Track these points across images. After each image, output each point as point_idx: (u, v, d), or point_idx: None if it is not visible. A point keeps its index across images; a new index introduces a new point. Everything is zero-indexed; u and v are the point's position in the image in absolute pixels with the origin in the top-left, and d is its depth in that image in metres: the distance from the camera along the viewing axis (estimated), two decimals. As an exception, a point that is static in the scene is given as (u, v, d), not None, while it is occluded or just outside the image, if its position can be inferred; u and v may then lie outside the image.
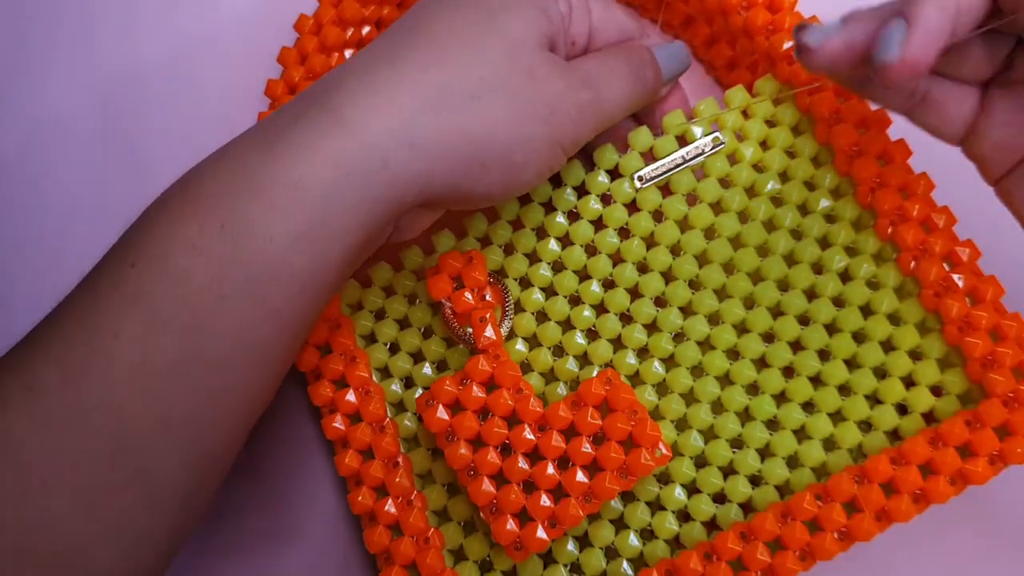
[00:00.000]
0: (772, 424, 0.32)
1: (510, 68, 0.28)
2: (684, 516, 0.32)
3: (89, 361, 0.24)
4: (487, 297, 0.33)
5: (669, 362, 0.33)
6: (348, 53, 0.38)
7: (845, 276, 0.33)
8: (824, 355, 0.32)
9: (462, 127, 0.27)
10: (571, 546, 0.32)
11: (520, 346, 0.34)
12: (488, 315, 0.32)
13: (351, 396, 0.33)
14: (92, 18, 0.45)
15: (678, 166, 0.34)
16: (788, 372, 0.32)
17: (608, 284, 0.34)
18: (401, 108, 0.26)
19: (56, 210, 0.43)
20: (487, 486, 0.30)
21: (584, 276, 0.34)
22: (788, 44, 0.34)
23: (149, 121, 0.44)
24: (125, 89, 0.44)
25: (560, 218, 0.34)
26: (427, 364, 0.35)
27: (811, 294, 0.33)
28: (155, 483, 0.25)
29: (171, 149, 0.43)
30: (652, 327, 0.33)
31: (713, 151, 0.34)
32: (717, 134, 0.34)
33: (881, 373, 0.32)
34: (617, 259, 0.34)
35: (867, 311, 0.32)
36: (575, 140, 0.30)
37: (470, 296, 0.33)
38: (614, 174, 0.35)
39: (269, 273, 0.25)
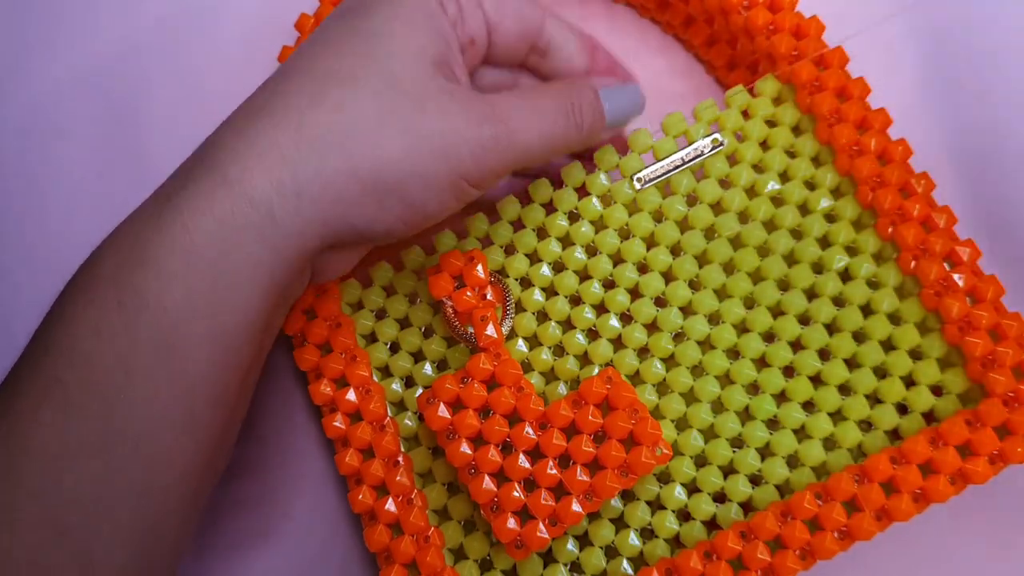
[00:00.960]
0: (772, 423, 0.32)
1: (396, 101, 0.27)
2: (684, 515, 0.32)
3: (12, 452, 0.25)
4: (488, 296, 0.33)
5: (669, 362, 0.33)
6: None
7: (845, 275, 0.33)
8: (824, 354, 0.32)
9: (349, 167, 0.26)
10: (571, 545, 0.32)
11: (521, 346, 0.34)
12: (489, 314, 0.32)
13: (351, 395, 0.33)
14: (91, 15, 0.45)
15: (677, 167, 0.34)
16: (788, 372, 0.32)
17: (608, 284, 0.34)
18: (283, 158, 0.26)
19: (55, 209, 0.43)
20: (488, 484, 0.30)
21: (584, 276, 0.34)
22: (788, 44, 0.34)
23: (149, 119, 0.43)
24: (125, 87, 0.44)
25: (561, 219, 0.34)
26: (427, 363, 0.35)
27: (811, 294, 0.33)
28: (96, 564, 0.25)
29: (172, 148, 0.42)
30: (652, 327, 0.33)
31: (712, 152, 0.34)
32: (716, 135, 0.34)
33: (881, 373, 0.32)
34: (617, 259, 0.34)
35: (867, 310, 0.32)
36: (482, 175, 0.29)
37: (471, 295, 0.33)
38: (615, 176, 0.35)
39: (170, 343, 0.25)
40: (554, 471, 0.30)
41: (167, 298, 0.25)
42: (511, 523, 0.30)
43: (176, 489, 0.27)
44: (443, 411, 0.31)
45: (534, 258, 0.35)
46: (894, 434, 0.32)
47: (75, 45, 0.45)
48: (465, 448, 0.31)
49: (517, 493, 0.30)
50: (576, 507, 0.30)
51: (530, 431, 0.30)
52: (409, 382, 0.35)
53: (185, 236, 0.25)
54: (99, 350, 0.25)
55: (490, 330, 0.32)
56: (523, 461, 0.30)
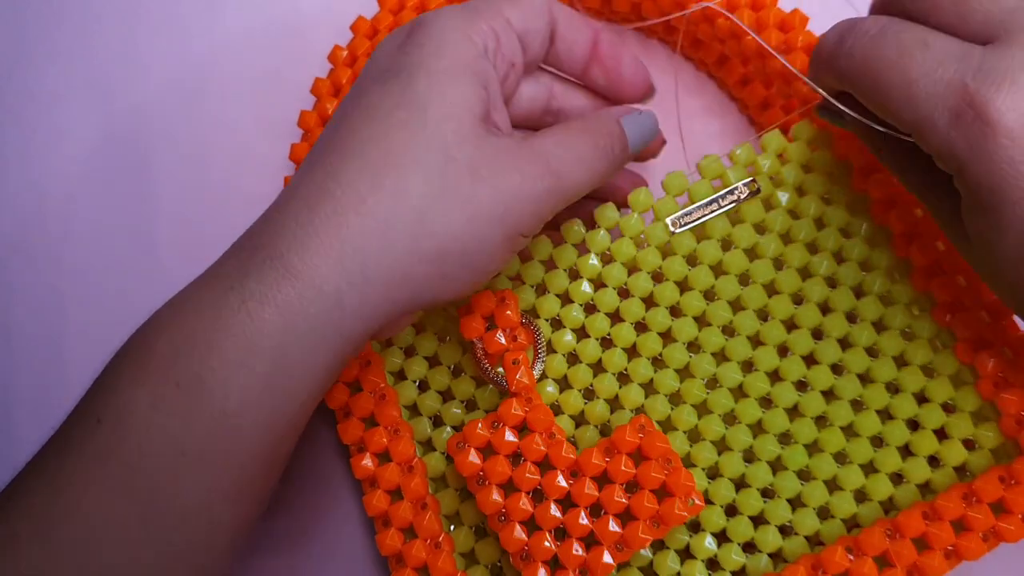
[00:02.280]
0: (803, 474, 0.32)
1: (452, 174, 0.27)
2: (713, 565, 0.32)
3: (58, 514, 0.25)
4: (518, 338, 0.33)
5: (701, 409, 0.33)
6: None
7: (880, 326, 0.33)
8: (857, 405, 0.32)
9: (414, 249, 0.27)
10: (599, 592, 0.32)
11: (551, 388, 0.34)
12: (521, 357, 0.32)
13: (381, 435, 0.33)
14: (91, 18, 0.45)
15: (713, 211, 0.34)
16: (821, 422, 0.32)
17: (640, 327, 0.34)
18: (348, 246, 0.26)
19: (57, 212, 0.43)
20: (518, 533, 0.30)
21: (616, 319, 0.34)
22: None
23: (149, 119, 0.44)
24: (125, 87, 0.44)
25: (593, 259, 0.34)
26: (456, 402, 0.34)
27: (845, 343, 0.33)
28: None
29: (171, 148, 0.43)
30: (684, 372, 0.33)
31: (748, 196, 0.34)
32: (753, 179, 0.34)
33: (914, 425, 0.32)
34: (650, 303, 0.34)
35: (901, 362, 0.32)
36: (536, 225, 0.29)
37: (502, 337, 0.32)
38: (648, 217, 0.34)
39: (226, 429, 0.25)
40: (585, 521, 0.30)
41: (228, 384, 0.25)
42: (542, 573, 0.30)
43: (219, 554, 0.27)
44: (474, 457, 0.31)
45: (565, 299, 0.34)
46: (926, 487, 0.32)
47: (76, 47, 0.45)
48: (496, 495, 0.30)
49: (548, 543, 0.30)
50: (607, 558, 0.29)
51: (562, 480, 0.30)
52: (437, 421, 0.35)
53: (249, 324, 0.25)
54: (154, 427, 0.25)
55: (522, 374, 0.32)
56: (554, 510, 0.30)
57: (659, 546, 0.32)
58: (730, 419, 0.33)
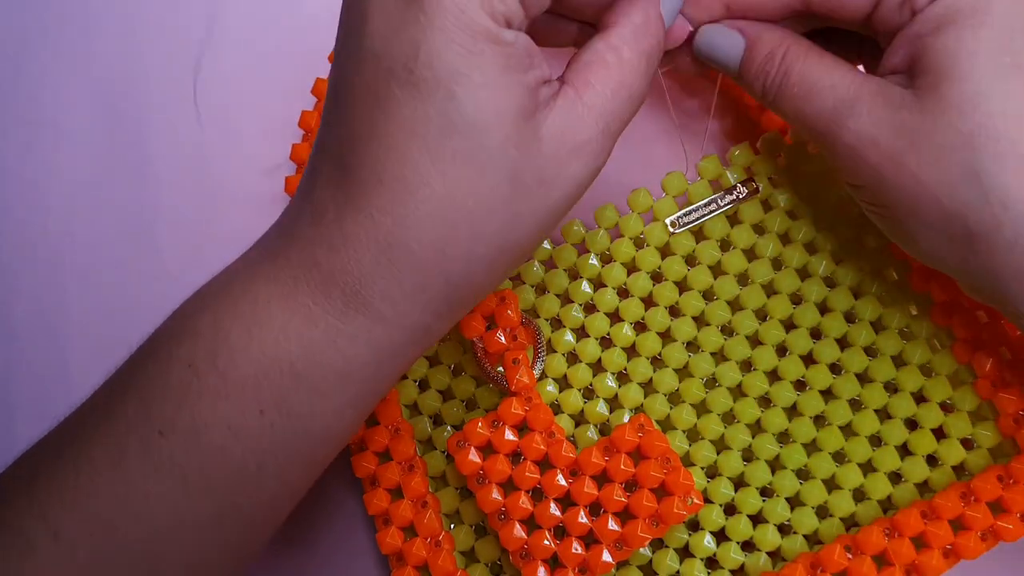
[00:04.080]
0: (802, 473, 0.32)
1: (522, 198, 0.25)
2: (712, 564, 0.32)
3: (118, 518, 0.24)
4: (518, 338, 0.33)
5: (700, 408, 0.33)
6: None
7: (878, 326, 0.33)
8: (856, 405, 0.32)
9: (492, 277, 0.26)
10: (598, 591, 0.32)
11: (550, 387, 0.34)
12: (521, 356, 0.32)
13: (381, 434, 0.33)
14: (92, 18, 0.46)
15: (712, 212, 0.34)
16: (819, 421, 0.32)
17: (640, 327, 0.34)
18: (434, 292, 0.25)
19: (57, 212, 0.43)
20: (518, 531, 0.30)
21: (616, 318, 0.34)
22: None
23: (149, 119, 0.44)
24: (126, 87, 0.45)
25: (593, 259, 0.34)
26: (456, 402, 0.34)
27: (844, 343, 0.33)
28: None
29: (172, 148, 0.44)
30: (683, 372, 0.33)
31: (747, 197, 0.34)
32: (751, 180, 0.34)
33: (912, 424, 0.32)
34: (649, 302, 0.34)
35: (899, 362, 0.32)
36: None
37: (503, 337, 0.32)
38: (648, 218, 0.35)
39: (311, 443, 0.26)
40: (585, 520, 0.30)
41: (315, 408, 0.25)
42: (541, 572, 0.30)
43: (268, 540, 0.28)
44: (473, 455, 0.31)
45: (565, 299, 0.35)
46: (924, 486, 0.32)
47: (76, 47, 0.45)
48: (495, 494, 0.30)
49: (547, 541, 0.30)
50: (607, 557, 0.30)
51: (561, 478, 0.30)
52: (438, 420, 0.35)
53: (338, 360, 0.25)
54: (232, 447, 0.25)
55: (522, 374, 0.32)
56: (554, 509, 0.30)
57: (658, 545, 0.32)
58: (729, 418, 0.33)
